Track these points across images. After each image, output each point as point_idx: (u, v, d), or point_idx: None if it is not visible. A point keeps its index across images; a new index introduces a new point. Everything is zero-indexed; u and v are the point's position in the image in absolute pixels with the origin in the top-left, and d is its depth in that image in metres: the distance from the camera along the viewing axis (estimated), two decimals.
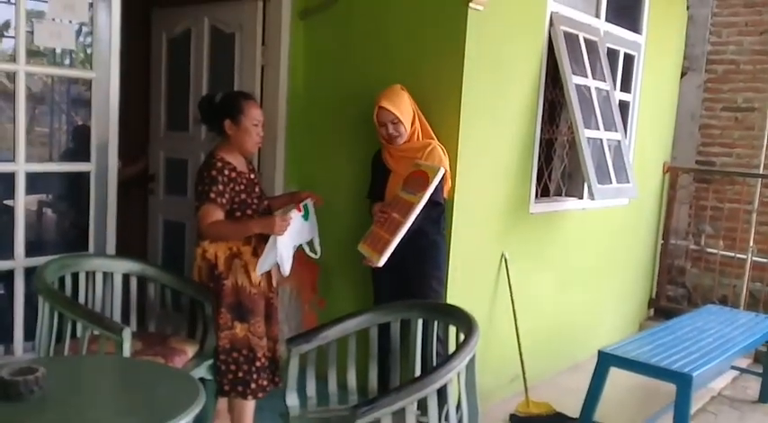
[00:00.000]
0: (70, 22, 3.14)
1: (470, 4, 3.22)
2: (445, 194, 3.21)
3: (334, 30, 3.77)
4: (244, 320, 2.90)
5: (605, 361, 3.26)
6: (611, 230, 4.76)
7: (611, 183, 4.14)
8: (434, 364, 2.54)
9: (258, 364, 2.92)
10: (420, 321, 2.60)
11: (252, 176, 3.04)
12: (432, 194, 2.97)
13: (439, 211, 3.18)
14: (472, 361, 2.23)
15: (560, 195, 4.37)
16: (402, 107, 3.14)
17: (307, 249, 3.07)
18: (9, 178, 3.03)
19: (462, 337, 2.34)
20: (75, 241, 3.35)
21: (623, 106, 4.66)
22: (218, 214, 2.84)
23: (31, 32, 3.02)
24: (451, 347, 2.52)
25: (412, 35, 3.46)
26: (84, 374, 2.24)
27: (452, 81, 3.29)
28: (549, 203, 4.15)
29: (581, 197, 4.37)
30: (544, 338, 4.13)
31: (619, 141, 4.32)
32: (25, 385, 1.86)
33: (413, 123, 3.19)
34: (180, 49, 4.30)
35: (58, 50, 3.55)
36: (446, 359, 2.16)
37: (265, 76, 3.85)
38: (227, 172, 2.88)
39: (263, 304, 3.00)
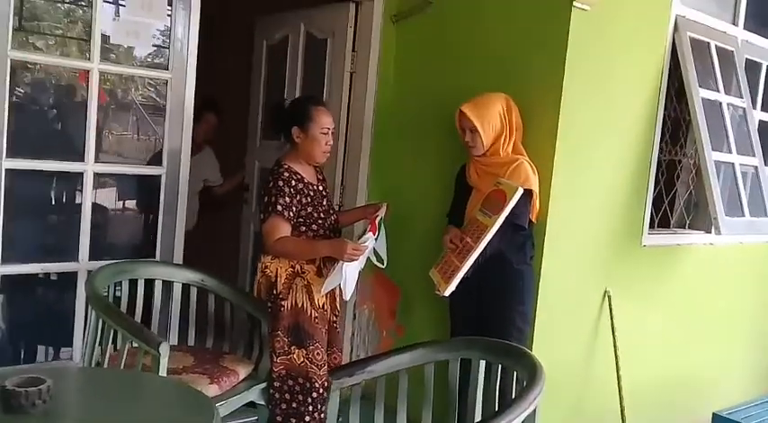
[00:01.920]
0: (149, 22, 3.07)
1: (575, 3, 2.86)
2: (533, 218, 2.82)
3: (427, 35, 3.51)
4: (302, 346, 2.66)
5: None
6: (746, 271, 4.12)
7: (743, 215, 3.57)
8: None
9: (315, 394, 2.66)
10: (483, 362, 2.23)
11: (320, 188, 2.82)
12: (513, 217, 2.60)
13: (524, 237, 2.79)
14: (532, 416, 1.85)
15: (683, 227, 3.82)
16: (485, 116, 2.80)
17: (374, 259, 2.80)
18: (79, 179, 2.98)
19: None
20: (142, 247, 3.26)
21: (765, 128, 4.04)
22: (286, 229, 2.65)
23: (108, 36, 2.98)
24: None
25: (509, 40, 3.13)
26: (99, 390, 2.06)
27: (550, 89, 2.92)
28: (668, 235, 3.63)
29: (708, 231, 3.78)
30: (653, 391, 3.58)
31: (756, 168, 3.73)
32: (26, 397, 1.71)
33: (498, 137, 2.83)
34: (277, 56, 4.20)
35: (159, 60, 3.52)
36: (497, 412, 1.79)
37: (353, 84, 3.65)
38: (293, 182, 2.70)
39: (325, 329, 2.75)
